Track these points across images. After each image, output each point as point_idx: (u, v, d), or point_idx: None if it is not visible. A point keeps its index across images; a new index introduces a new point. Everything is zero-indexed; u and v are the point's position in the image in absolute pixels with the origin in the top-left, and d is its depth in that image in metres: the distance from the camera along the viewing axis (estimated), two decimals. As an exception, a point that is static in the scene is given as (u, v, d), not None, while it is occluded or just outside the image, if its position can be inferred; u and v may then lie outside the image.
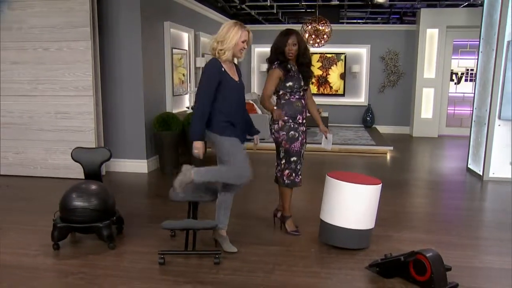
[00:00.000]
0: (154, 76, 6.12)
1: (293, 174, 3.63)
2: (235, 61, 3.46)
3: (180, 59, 6.93)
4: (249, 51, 10.64)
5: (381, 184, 3.38)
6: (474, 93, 6.26)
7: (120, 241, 3.56)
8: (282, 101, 3.61)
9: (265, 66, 9.20)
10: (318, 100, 10.15)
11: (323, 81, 10.55)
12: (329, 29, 8.20)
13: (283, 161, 3.63)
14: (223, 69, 3.09)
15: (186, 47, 7.26)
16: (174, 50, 6.71)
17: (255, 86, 10.74)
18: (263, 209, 4.34)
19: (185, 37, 7.23)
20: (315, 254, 3.33)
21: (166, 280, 2.93)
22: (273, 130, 3.63)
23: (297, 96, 3.59)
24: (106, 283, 2.88)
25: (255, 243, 3.54)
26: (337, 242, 3.39)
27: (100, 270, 3.06)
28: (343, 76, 10.49)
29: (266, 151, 7.67)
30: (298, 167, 3.64)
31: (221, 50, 3.07)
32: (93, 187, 3.48)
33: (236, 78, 3.22)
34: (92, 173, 3.68)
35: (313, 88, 10.45)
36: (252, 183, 4.49)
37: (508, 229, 4.02)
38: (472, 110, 6.31)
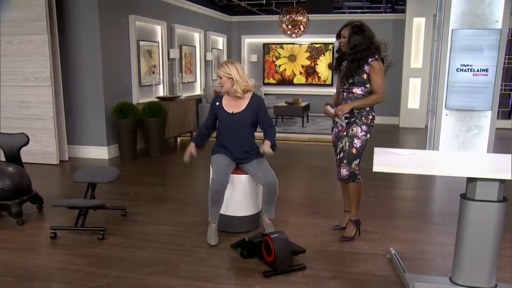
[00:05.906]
0: (117, 68, 6.45)
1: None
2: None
3: (150, 51, 7.22)
4: (239, 42, 10.79)
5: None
6: (431, 83, 6.18)
7: (34, 218, 3.92)
8: None
9: (255, 57, 8.79)
10: (306, 90, 10.29)
11: (311, 71, 10.56)
12: (305, 19, 8.23)
13: None
14: (217, 103, 3.54)
15: (159, 39, 7.54)
16: (143, 43, 7.01)
17: (245, 77, 10.86)
18: (178, 193, 4.57)
19: (158, 30, 7.52)
20: (198, 235, 3.52)
21: (46, 252, 3.26)
22: None
23: (342, 88, 3.44)
24: (-7, 253, 3.23)
25: (151, 223, 3.80)
26: (225, 227, 3.55)
27: (-5, 242, 3.42)
28: (331, 66, 10.45)
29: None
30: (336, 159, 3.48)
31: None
32: (9, 169, 3.86)
33: (232, 111, 3.44)
34: (12, 156, 4.06)
35: (301, 79, 10.49)
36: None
37: (414, 218, 4.06)
38: (429, 100, 6.24)
